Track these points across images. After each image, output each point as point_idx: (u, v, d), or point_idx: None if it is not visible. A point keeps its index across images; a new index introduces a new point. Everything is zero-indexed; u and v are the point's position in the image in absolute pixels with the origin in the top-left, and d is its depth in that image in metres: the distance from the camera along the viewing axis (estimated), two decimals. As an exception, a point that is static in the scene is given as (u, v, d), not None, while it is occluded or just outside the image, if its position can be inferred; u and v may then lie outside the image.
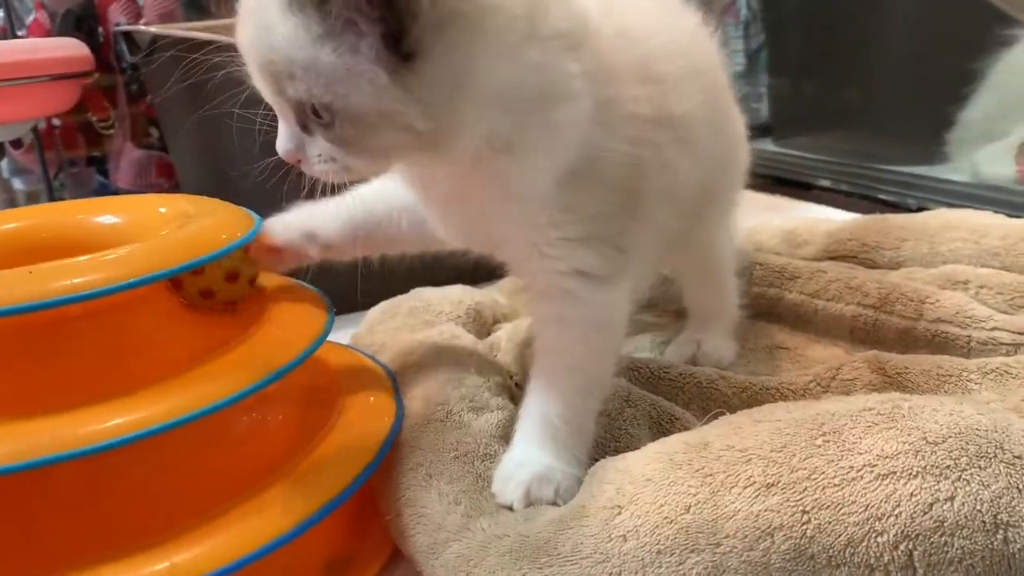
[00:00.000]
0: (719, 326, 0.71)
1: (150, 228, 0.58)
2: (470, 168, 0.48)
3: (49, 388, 0.50)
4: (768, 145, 1.57)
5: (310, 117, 0.46)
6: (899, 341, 0.70)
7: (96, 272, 0.49)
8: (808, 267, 0.78)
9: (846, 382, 0.61)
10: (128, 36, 1.05)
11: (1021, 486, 0.40)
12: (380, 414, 0.58)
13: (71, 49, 1.04)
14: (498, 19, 0.45)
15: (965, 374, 0.59)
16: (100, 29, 1.43)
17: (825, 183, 1.27)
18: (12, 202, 1.82)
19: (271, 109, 0.49)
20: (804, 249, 0.89)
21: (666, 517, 0.42)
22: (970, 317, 0.66)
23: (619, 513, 0.43)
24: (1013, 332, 0.64)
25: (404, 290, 0.79)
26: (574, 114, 0.48)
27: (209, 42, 0.88)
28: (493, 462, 0.53)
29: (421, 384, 0.62)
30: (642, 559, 0.41)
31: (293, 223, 0.60)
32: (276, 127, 0.49)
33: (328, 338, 0.58)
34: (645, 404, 0.58)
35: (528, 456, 0.52)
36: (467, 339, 0.69)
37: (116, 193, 1.48)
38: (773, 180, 1.35)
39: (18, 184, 1.80)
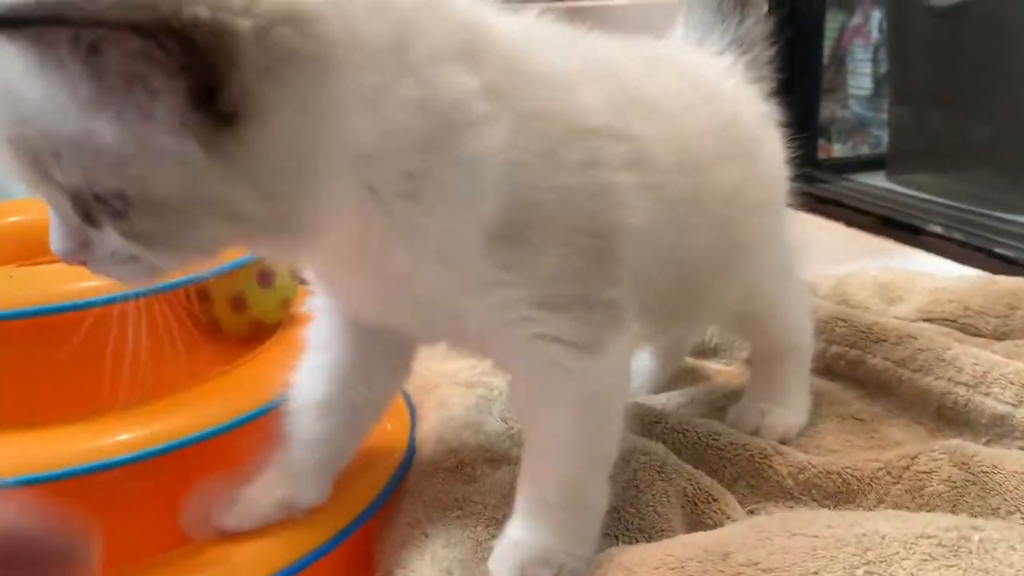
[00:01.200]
0: (786, 391, 0.63)
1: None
2: (362, 242, 0.38)
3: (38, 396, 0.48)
4: (880, 180, 1.45)
5: (94, 205, 0.34)
6: (992, 429, 0.61)
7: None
8: (898, 330, 0.69)
9: (921, 475, 0.53)
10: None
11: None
12: (389, 452, 0.54)
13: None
14: (352, 54, 0.34)
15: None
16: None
17: (937, 229, 1.16)
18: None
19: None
20: (898, 306, 0.80)
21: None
22: (1083, 413, 0.57)
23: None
24: None
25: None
26: (485, 145, 0.37)
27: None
28: (498, 530, 0.48)
29: (437, 424, 0.57)
30: None
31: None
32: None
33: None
34: (681, 479, 0.51)
35: (525, 536, 0.45)
36: (497, 380, 0.64)
37: None
38: (880, 219, 1.24)
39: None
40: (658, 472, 0.51)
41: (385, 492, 0.51)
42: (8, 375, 0.47)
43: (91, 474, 0.42)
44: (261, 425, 0.47)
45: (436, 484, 0.51)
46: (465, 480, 0.51)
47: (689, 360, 0.77)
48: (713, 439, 0.57)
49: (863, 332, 0.70)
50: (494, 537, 0.47)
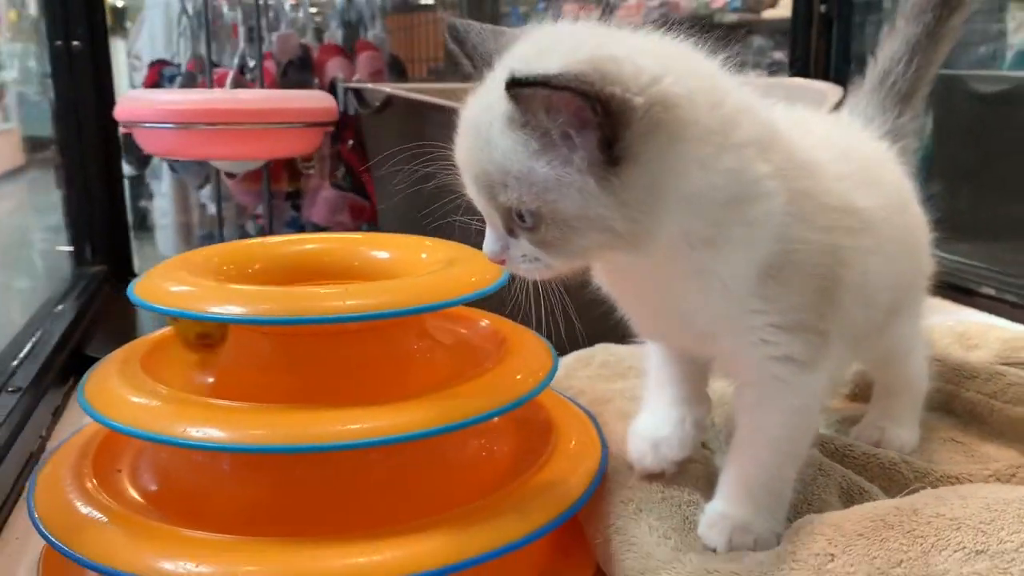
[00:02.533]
0: (904, 415, 0.74)
1: (413, 264, 0.68)
2: (667, 264, 0.52)
3: (327, 383, 0.59)
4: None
5: (516, 221, 0.50)
6: (1077, 452, 0.72)
7: (362, 298, 0.58)
8: (987, 369, 0.81)
9: (1027, 480, 0.65)
10: (358, 92, 1.19)
11: None
12: (589, 450, 0.65)
13: (323, 101, 1.19)
14: (695, 130, 0.48)
15: None
16: (316, 80, 1.60)
17: (990, 291, 1.28)
18: (201, 223, 2.02)
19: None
20: (975, 352, 0.92)
21: (878, 568, 0.47)
22: None
23: (831, 560, 0.48)
24: None
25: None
26: (768, 210, 0.51)
27: (438, 106, 1.00)
28: (697, 508, 0.59)
29: (623, 431, 0.68)
30: (853, 603, 0.46)
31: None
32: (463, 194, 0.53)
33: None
34: (836, 474, 0.63)
35: (730, 509, 0.57)
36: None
37: (305, 227, 1.63)
38: (935, 282, 1.37)
39: (211, 209, 2.00)
40: (818, 469, 0.63)
41: (592, 484, 0.61)
42: (344, 366, 0.59)
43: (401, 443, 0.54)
44: (513, 415, 0.59)
45: (635, 476, 0.62)
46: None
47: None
48: (849, 449, 0.69)
49: (956, 369, 0.82)
50: (695, 514, 0.59)
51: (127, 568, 0.51)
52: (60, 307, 1.11)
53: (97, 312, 1.14)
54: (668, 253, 0.51)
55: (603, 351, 0.85)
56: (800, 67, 1.60)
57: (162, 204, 2.41)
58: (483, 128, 0.49)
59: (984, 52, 2.96)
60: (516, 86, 0.45)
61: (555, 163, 0.47)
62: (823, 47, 1.59)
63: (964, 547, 0.46)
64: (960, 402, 0.81)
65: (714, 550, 0.56)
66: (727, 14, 4.17)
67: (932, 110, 1.84)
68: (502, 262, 0.52)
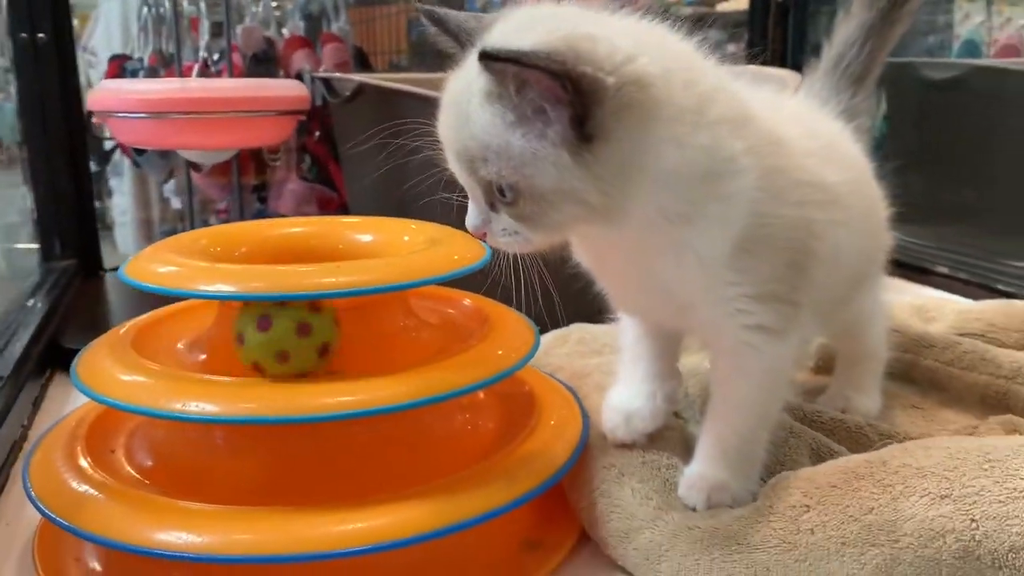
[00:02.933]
0: (866, 383, 0.78)
1: (396, 246, 0.69)
2: (644, 238, 0.54)
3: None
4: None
5: (496, 196, 0.51)
6: (1029, 411, 0.77)
7: (350, 275, 0.59)
8: (944, 338, 0.85)
9: (983, 437, 0.68)
10: (327, 82, 1.20)
11: None
12: (571, 421, 0.67)
13: (296, 90, 1.19)
14: (669, 110, 0.50)
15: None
16: (281, 72, 1.60)
17: (944, 269, 1.34)
18: (163, 218, 2.01)
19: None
20: (933, 325, 0.96)
21: (851, 516, 0.50)
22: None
23: (807, 511, 0.51)
24: None
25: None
26: (742, 186, 0.53)
27: (409, 93, 1.01)
28: (676, 471, 0.62)
29: (600, 401, 0.71)
30: (827, 549, 0.49)
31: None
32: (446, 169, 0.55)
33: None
34: (807, 436, 0.66)
35: (707, 471, 0.60)
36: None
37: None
38: (892, 263, 1.42)
39: (175, 203, 1.99)
40: (789, 432, 0.66)
41: (575, 452, 0.64)
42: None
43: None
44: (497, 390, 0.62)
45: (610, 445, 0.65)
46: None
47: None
48: (816, 415, 0.72)
49: (915, 340, 0.87)
50: (675, 476, 0.62)
51: (125, 539, 0.52)
52: (32, 301, 1.10)
53: (69, 305, 1.14)
54: (644, 227, 0.53)
55: (579, 330, 0.88)
56: (758, 55, 1.63)
57: (121, 202, 2.39)
58: (463, 103, 0.51)
59: (932, 42, 3.05)
60: (488, 59, 0.47)
61: (530, 137, 0.49)
62: (780, 36, 1.63)
63: (929, 492, 0.49)
64: (919, 370, 0.85)
65: (694, 508, 0.58)
66: (683, 7, 4.23)
67: (885, 96, 1.90)
68: (483, 235, 0.54)
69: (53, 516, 0.55)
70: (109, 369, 0.59)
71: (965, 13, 2.95)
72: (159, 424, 0.64)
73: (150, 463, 0.62)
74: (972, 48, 2.92)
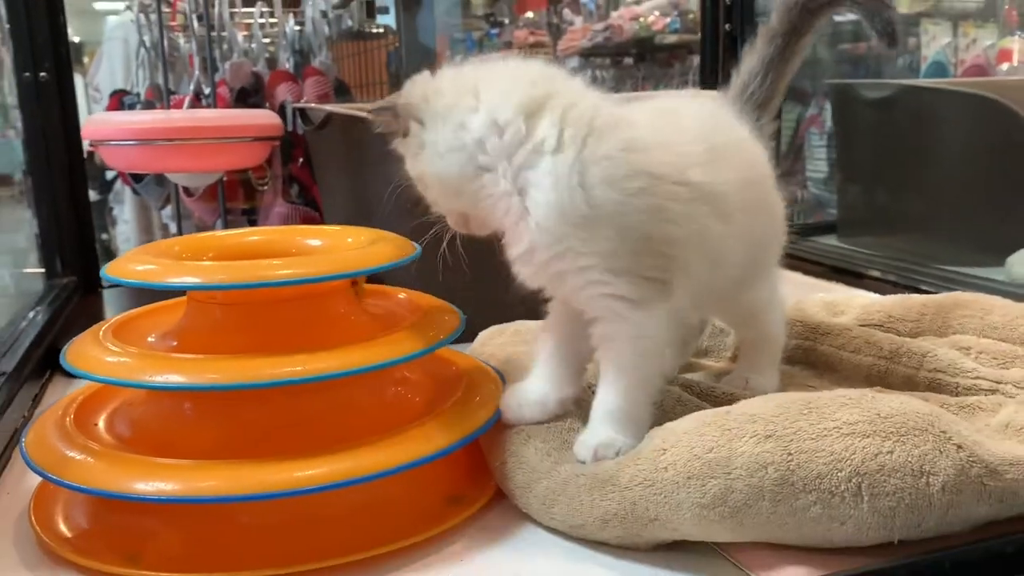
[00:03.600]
0: (764, 366, 0.88)
1: (340, 247, 0.81)
2: (501, 216, 0.67)
3: (270, 342, 0.72)
4: (832, 240, 1.75)
5: None
6: (904, 386, 0.87)
7: (298, 267, 0.71)
8: (839, 325, 0.96)
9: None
10: (303, 112, 1.32)
11: (941, 450, 0.57)
12: (493, 395, 0.78)
13: (269, 118, 1.32)
14: (438, 117, 0.68)
15: (947, 407, 0.76)
16: (267, 104, 1.73)
17: (875, 273, 1.44)
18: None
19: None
20: (840, 318, 1.06)
21: (696, 455, 0.60)
22: (959, 368, 0.83)
23: (663, 454, 0.62)
24: (991, 381, 0.81)
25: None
26: (554, 168, 0.65)
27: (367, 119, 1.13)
28: (575, 433, 0.73)
29: (522, 380, 0.82)
30: (677, 482, 0.60)
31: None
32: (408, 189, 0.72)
33: (453, 347, 0.80)
34: (692, 405, 0.77)
35: (597, 430, 0.70)
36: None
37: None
38: (831, 269, 1.53)
39: (173, 228, 2.11)
40: (676, 400, 0.77)
41: (492, 418, 0.74)
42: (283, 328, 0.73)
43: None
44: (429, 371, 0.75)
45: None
46: (547, 409, 0.76)
47: (691, 359, 1.03)
48: (711, 390, 0.83)
49: (813, 328, 0.97)
50: (573, 437, 0.72)
51: (107, 487, 0.63)
52: (34, 312, 1.22)
53: (68, 316, 1.25)
54: (495, 203, 0.67)
55: (517, 324, 0.99)
56: (709, 80, 1.76)
57: (124, 229, 2.52)
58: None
59: (901, 63, 3.18)
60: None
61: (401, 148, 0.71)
62: (730, 61, 1.75)
63: (757, 434, 0.60)
64: (816, 355, 0.96)
65: (583, 462, 0.69)
66: (667, 36, 4.38)
67: (833, 117, 2.02)
68: None
69: (45, 473, 0.66)
70: (93, 352, 0.71)
71: (932, 35, 3.08)
72: (135, 401, 0.75)
73: (128, 433, 0.73)
74: (939, 69, 3.05)
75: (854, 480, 0.57)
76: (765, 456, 0.59)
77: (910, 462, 0.57)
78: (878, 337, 0.92)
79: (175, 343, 0.75)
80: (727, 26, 1.74)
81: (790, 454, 0.58)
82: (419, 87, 0.70)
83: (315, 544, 0.67)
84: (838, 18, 3.24)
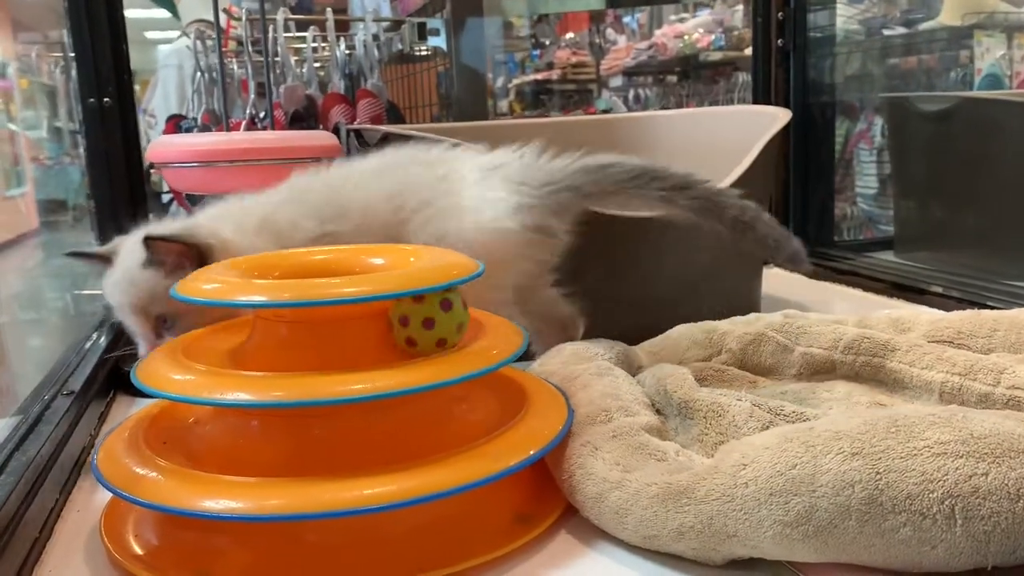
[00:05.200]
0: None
1: (404, 265, 0.81)
2: None
3: (335, 360, 0.72)
4: (889, 256, 1.72)
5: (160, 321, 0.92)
6: (980, 404, 0.84)
7: (364, 285, 0.71)
8: (907, 342, 0.93)
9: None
10: (358, 133, 1.33)
11: (1040, 472, 0.55)
12: (556, 413, 0.77)
13: (327, 139, 1.34)
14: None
15: (1030, 425, 0.73)
16: (320, 126, 1.75)
17: (938, 289, 1.41)
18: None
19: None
20: (907, 334, 1.03)
21: (779, 471, 0.59)
22: (1040, 384, 0.80)
23: (743, 469, 0.60)
24: (1075, 397, 0.78)
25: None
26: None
27: (427, 139, 1.14)
28: (640, 437, 0.71)
29: (585, 398, 0.81)
30: (758, 499, 0.58)
31: None
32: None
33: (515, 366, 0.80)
34: (765, 421, 0.75)
35: None
36: (619, 371, 0.88)
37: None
38: (891, 285, 1.49)
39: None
40: (749, 416, 0.75)
41: (559, 435, 0.73)
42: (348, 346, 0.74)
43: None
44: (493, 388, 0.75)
45: (594, 427, 0.75)
46: (609, 421, 0.75)
47: (755, 376, 1.01)
48: (780, 408, 0.81)
49: (882, 344, 0.95)
50: (638, 441, 0.71)
51: (177, 505, 0.63)
52: (98, 332, 1.24)
53: (128, 337, 1.27)
54: None
55: (572, 344, 0.98)
56: (762, 95, 1.74)
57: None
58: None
59: (954, 76, 3.12)
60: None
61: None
62: (782, 75, 1.74)
63: (844, 451, 0.58)
64: (886, 372, 0.93)
65: None
66: (712, 53, 4.36)
67: (887, 131, 1.98)
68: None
69: (117, 489, 0.66)
70: (163, 370, 0.71)
71: (985, 47, 3.03)
72: (203, 419, 0.76)
73: (196, 451, 0.74)
74: (994, 81, 2.99)
75: (947, 502, 0.55)
76: (852, 474, 0.57)
77: (1006, 485, 0.54)
78: (950, 353, 0.89)
79: (243, 361, 0.76)
80: (779, 41, 1.72)
81: (878, 473, 0.56)
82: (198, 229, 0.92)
83: (382, 564, 0.66)
84: (888, 32, 3.19)
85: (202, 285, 0.73)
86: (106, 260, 0.88)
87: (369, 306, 0.73)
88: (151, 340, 0.85)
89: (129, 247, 0.86)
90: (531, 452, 0.70)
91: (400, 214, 0.95)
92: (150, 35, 5.07)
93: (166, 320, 0.85)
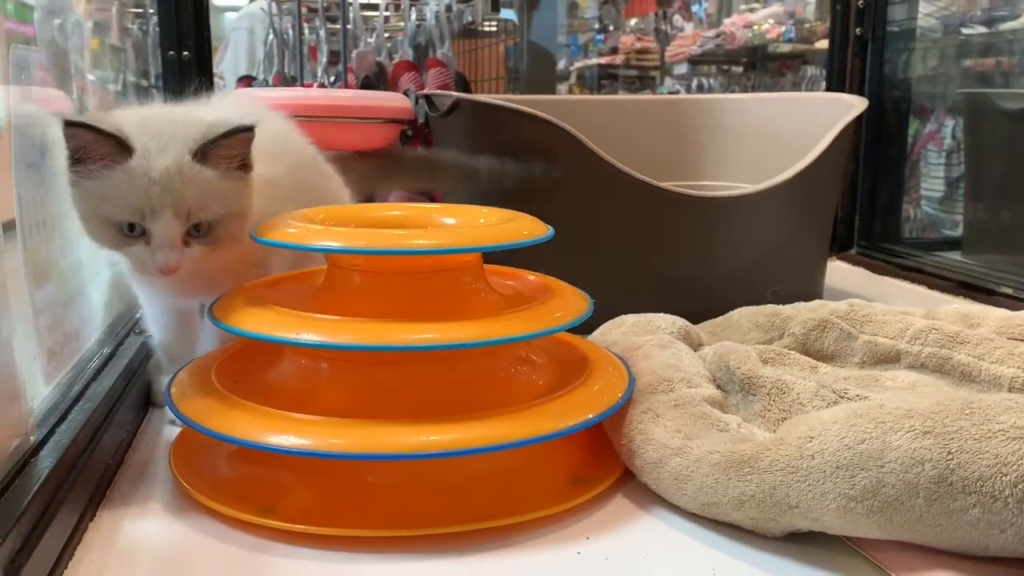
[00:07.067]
0: None
1: (474, 224, 0.81)
2: None
3: (404, 310, 0.73)
4: (957, 256, 1.68)
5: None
6: (1053, 400, 0.82)
7: (435, 239, 0.73)
8: (977, 335, 0.91)
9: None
10: (428, 99, 1.34)
11: (1118, 460, 0.54)
12: (617, 380, 0.77)
13: (401, 101, 1.35)
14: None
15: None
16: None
17: (1008, 290, 1.37)
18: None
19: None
20: (977, 330, 1.01)
21: (846, 445, 0.58)
22: (1117, 384, 0.78)
23: (810, 441, 0.60)
24: None
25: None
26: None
27: (500, 107, 1.14)
28: (702, 407, 0.71)
29: (647, 368, 0.81)
30: (824, 471, 0.58)
31: None
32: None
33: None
34: (832, 399, 0.75)
35: None
36: (681, 344, 0.88)
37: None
38: (958, 283, 1.46)
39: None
40: (814, 395, 0.75)
41: (619, 401, 0.73)
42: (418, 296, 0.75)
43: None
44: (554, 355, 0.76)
45: (656, 396, 0.75)
46: (671, 391, 0.75)
47: (816, 362, 1.00)
48: (844, 391, 0.80)
49: (951, 337, 0.93)
50: (701, 411, 0.71)
51: (247, 438, 0.65)
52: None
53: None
54: None
55: (635, 316, 0.97)
56: (836, 86, 1.71)
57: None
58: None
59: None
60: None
61: None
62: (858, 65, 1.70)
63: (915, 429, 0.57)
64: (953, 364, 0.91)
65: None
66: (781, 44, 4.28)
67: (964, 128, 1.93)
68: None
69: (189, 419, 0.68)
70: (241, 308, 0.73)
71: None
72: (274, 360, 0.77)
73: (266, 390, 0.75)
74: (1075, 88, 2.88)
75: (1020, 486, 0.54)
76: (923, 452, 0.56)
77: (1083, 470, 0.53)
78: (1022, 348, 0.87)
79: (315, 307, 0.77)
80: (858, 30, 1.69)
81: (950, 453, 0.56)
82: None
83: (438, 510, 0.67)
84: (967, 31, 3.11)
85: (283, 229, 0.74)
86: (122, 145, 0.71)
87: (439, 259, 0.74)
88: (179, 248, 0.72)
89: (181, 139, 0.72)
90: (590, 415, 0.70)
91: None
92: (217, 2, 5.16)
93: (200, 227, 0.73)
